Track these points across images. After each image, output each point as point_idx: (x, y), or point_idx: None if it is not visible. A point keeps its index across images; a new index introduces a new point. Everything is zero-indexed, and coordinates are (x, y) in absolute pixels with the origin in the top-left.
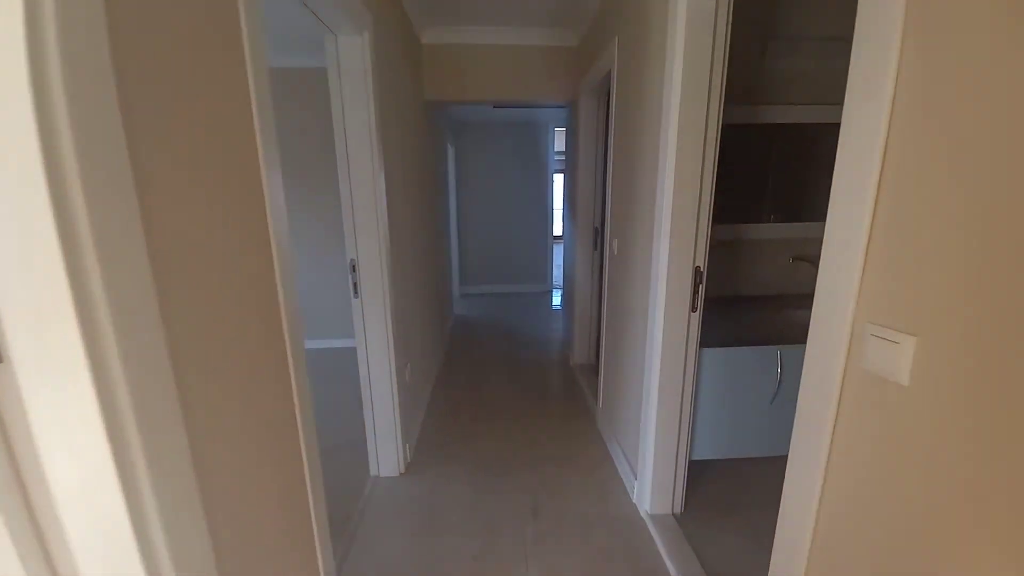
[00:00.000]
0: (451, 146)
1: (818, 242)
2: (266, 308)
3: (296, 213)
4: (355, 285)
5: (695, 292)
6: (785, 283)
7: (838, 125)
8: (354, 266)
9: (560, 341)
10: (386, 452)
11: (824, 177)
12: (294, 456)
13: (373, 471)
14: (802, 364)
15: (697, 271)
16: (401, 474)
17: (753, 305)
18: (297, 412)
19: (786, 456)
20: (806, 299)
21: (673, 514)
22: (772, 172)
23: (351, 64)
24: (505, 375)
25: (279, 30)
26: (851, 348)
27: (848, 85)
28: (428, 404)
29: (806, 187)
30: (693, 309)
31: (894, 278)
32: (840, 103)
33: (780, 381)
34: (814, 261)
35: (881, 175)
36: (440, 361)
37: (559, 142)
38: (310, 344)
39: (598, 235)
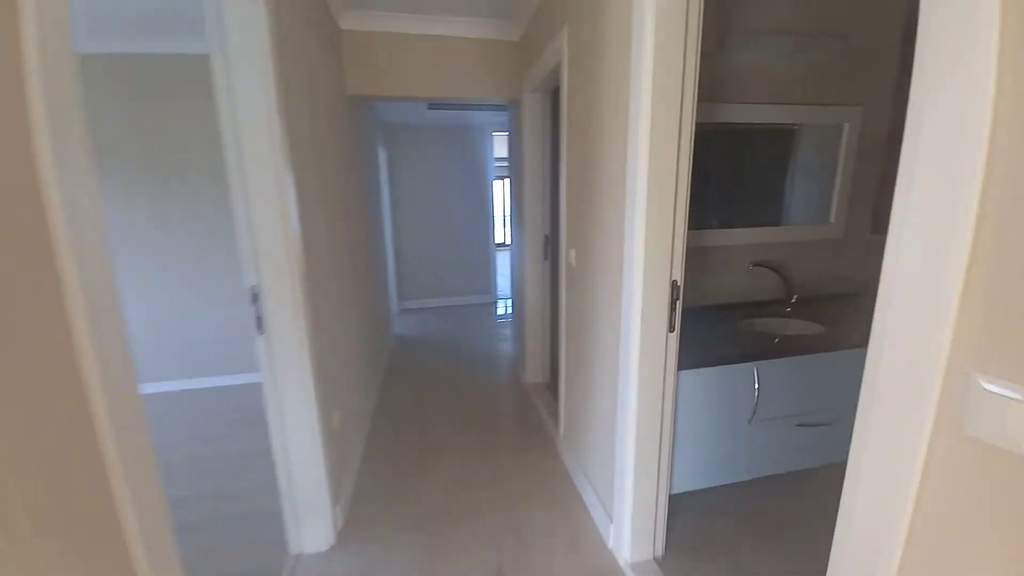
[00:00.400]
0: (383, 151)
1: (779, 247)
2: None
3: (190, 228)
4: (259, 319)
5: (672, 309)
6: (746, 290)
7: (790, 126)
8: (256, 295)
9: (509, 357)
10: (311, 522)
11: (781, 181)
12: None
13: (294, 548)
14: (780, 379)
15: (674, 285)
16: (332, 547)
17: (716, 316)
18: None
19: (765, 478)
20: (769, 306)
21: (655, 559)
22: (713, 174)
23: (243, 40)
24: (453, 401)
25: (152, 8)
26: (942, 405)
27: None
28: (365, 446)
29: (752, 190)
30: (671, 328)
31: (1016, 310)
32: (798, 103)
33: (757, 400)
34: (776, 267)
35: (989, 153)
36: (377, 392)
37: (499, 147)
38: (214, 381)
39: (548, 243)
